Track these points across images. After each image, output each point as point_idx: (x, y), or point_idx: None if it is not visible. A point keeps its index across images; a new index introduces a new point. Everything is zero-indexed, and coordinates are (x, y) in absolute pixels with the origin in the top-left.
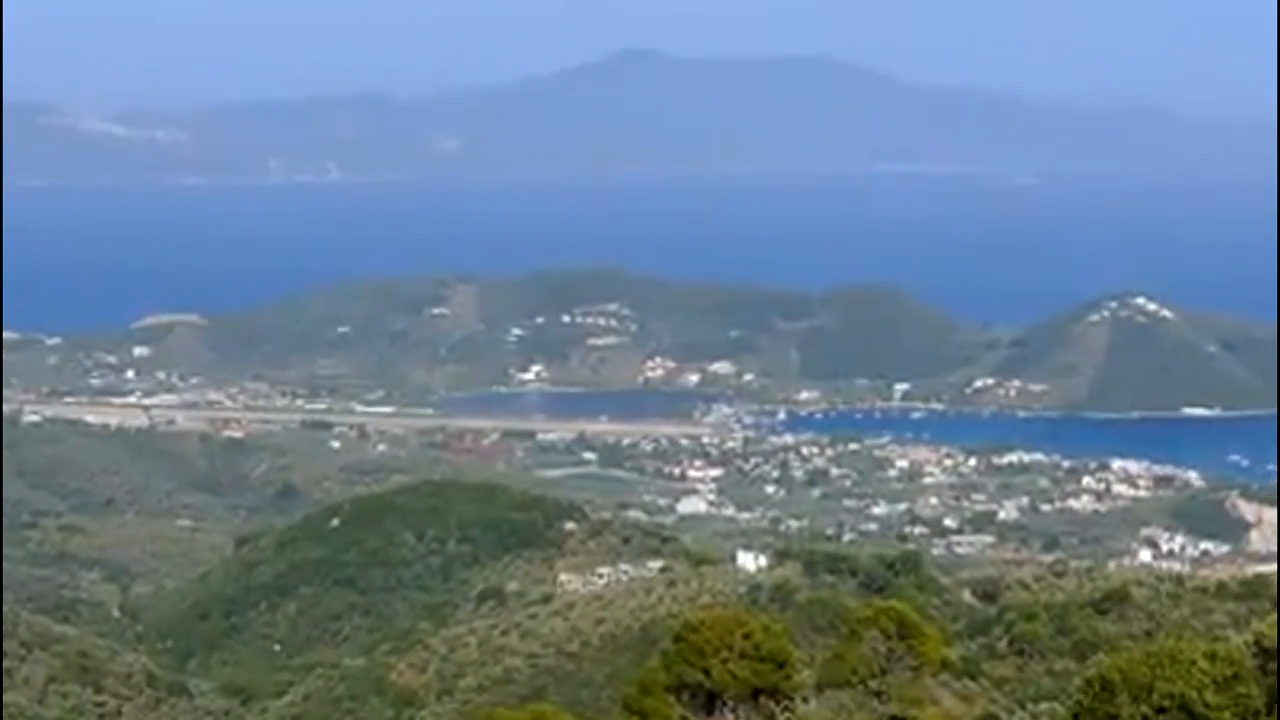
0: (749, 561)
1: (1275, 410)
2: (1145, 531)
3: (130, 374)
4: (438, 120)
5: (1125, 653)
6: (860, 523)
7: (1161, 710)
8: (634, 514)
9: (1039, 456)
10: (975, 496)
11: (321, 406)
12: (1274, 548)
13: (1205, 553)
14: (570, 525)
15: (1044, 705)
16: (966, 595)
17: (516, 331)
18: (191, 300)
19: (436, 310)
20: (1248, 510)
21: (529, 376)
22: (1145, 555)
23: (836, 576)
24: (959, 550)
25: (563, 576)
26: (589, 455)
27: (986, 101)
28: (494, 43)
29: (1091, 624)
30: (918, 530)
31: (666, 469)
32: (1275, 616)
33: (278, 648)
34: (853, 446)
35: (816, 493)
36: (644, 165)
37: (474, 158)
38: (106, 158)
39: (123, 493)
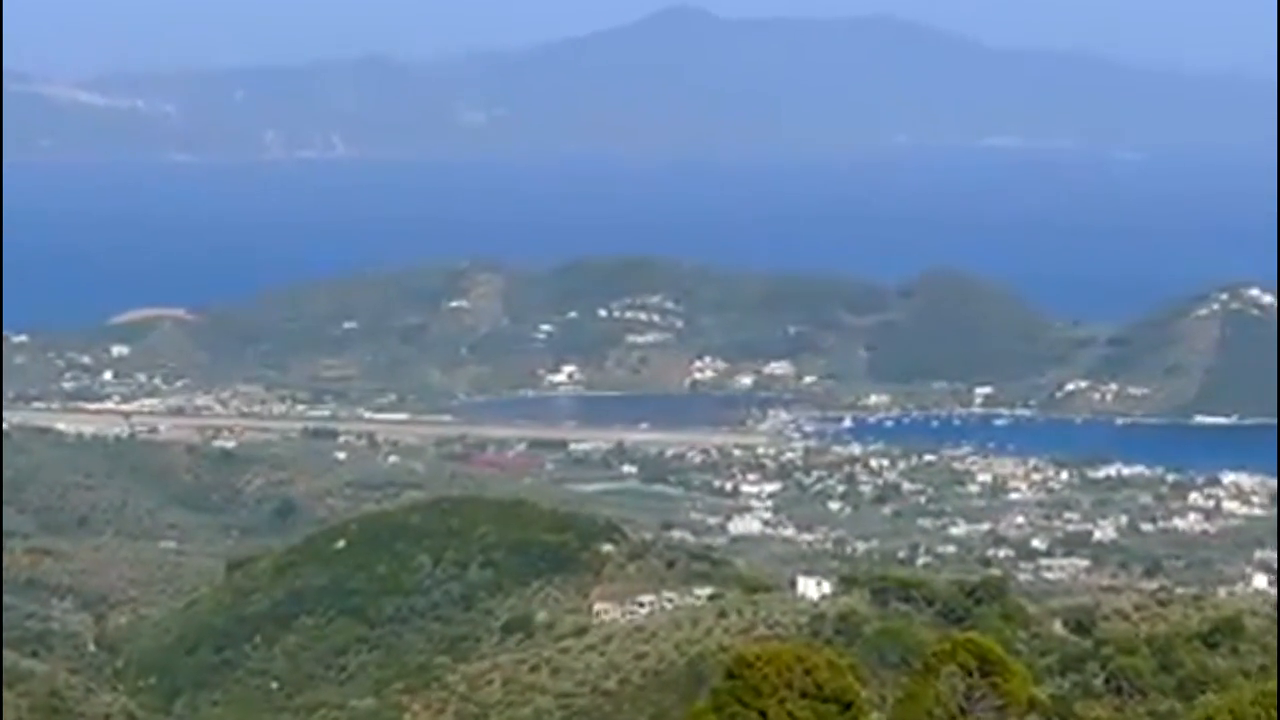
0: (810, 588)
1: None
2: (1260, 554)
3: (107, 376)
4: (458, 88)
5: (1237, 691)
6: (937, 544)
7: None
8: (680, 534)
9: (1140, 469)
10: (1067, 515)
11: (325, 413)
12: None
13: None
14: (607, 547)
15: None
16: (1057, 626)
17: (546, 328)
18: (178, 292)
19: (456, 303)
20: None
21: (560, 379)
22: (1260, 581)
23: (910, 605)
24: (1049, 576)
25: (599, 605)
26: (628, 468)
27: (1081, 66)
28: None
29: (1199, 659)
30: (1002, 553)
31: (717, 483)
32: None
33: (275, 686)
34: (928, 458)
35: (887, 510)
36: (692, 140)
37: (499, 131)
38: (80, 131)
39: (99, 510)
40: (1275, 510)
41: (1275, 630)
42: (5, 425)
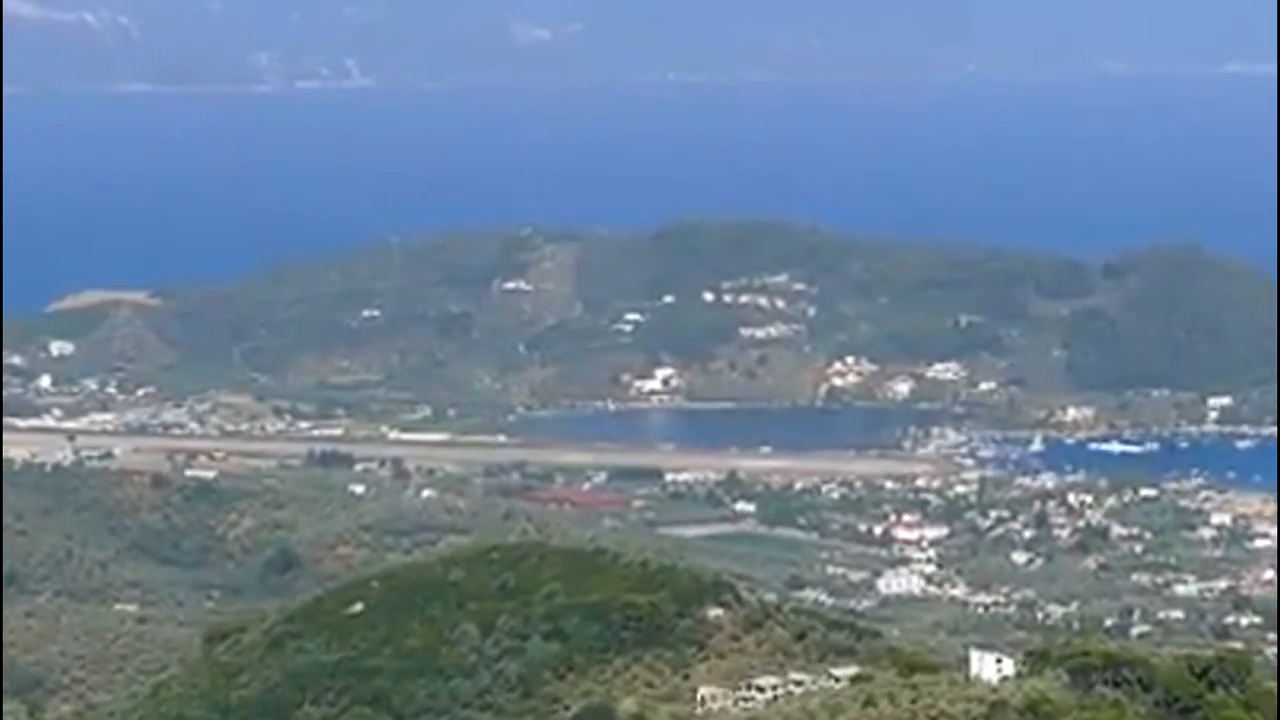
0: (988, 667)
1: None
2: None
3: (45, 381)
4: None
5: None
6: (1157, 608)
7: None
8: (813, 595)
9: None
10: None
11: (336, 431)
12: None
13: None
14: (716, 612)
15: None
16: None
17: (633, 316)
18: (138, 269)
19: (512, 284)
20: None
21: (653, 385)
22: None
23: (1121, 690)
24: None
25: (705, 690)
26: (744, 506)
27: None
28: None
29: None
30: (1245, 620)
31: (862, 527)
32: None
33: None
34: (1145, 493)
35: (1090, 563)
36: (832, 64)
37: (568, 52)
38: (11, 53)
39: (33, 563)
40: None
41: None
42: None
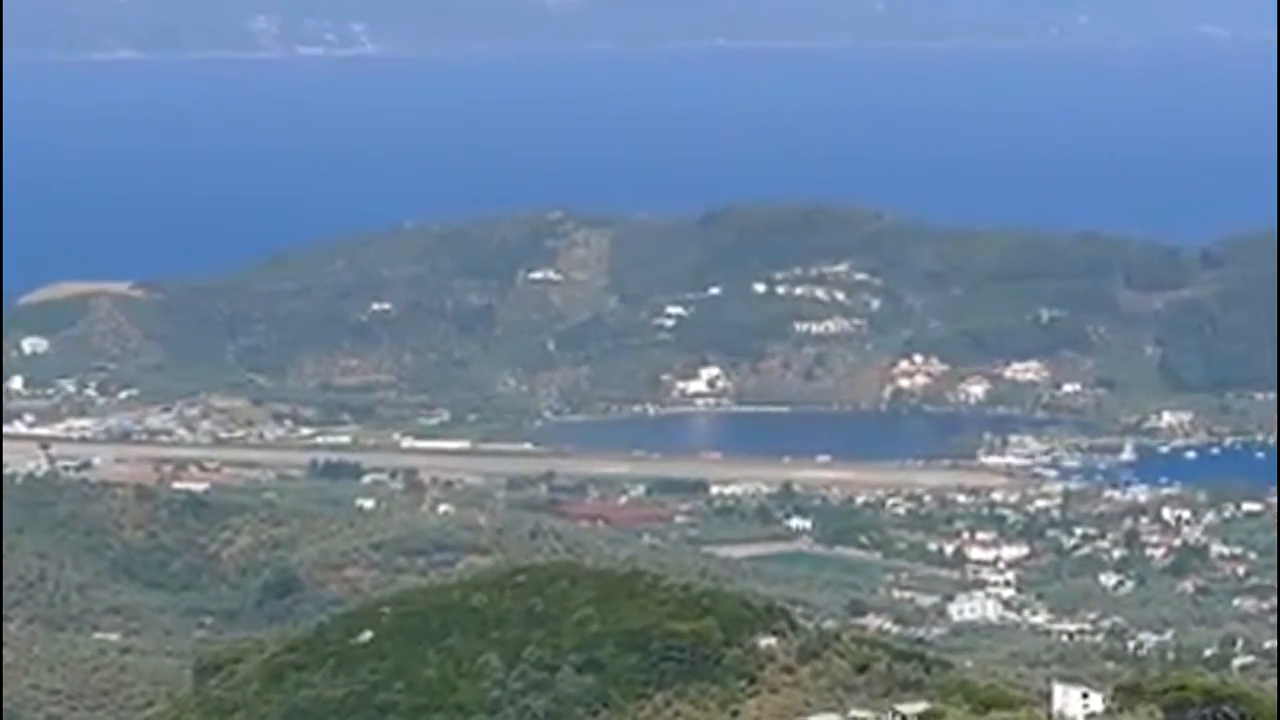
0: (1073, 702)
1: None
2: None
3: (16, 383)
4: None
5: None
6: (1263, 637)
7: None
8: (876, 622)
9: None
10: None
11: (342, 439)
12: None
13: None
14: (768, 641)
15: None
16: None
17: (675, 310)
18: (120, 258)
19: (539, 274)
20: None
21: (698, 387)
22: None
23: None
24: None
25: None
26: (799, 522)
27: None
28: None
29: None
30: None
31: (932, 546)
32: None
33: None
34: (1250, 507)
35: (1188, 585)
36: (897, 29)
37: (605, 17)
38: None
39: (3, 586)
40: None
41: None
42: None
